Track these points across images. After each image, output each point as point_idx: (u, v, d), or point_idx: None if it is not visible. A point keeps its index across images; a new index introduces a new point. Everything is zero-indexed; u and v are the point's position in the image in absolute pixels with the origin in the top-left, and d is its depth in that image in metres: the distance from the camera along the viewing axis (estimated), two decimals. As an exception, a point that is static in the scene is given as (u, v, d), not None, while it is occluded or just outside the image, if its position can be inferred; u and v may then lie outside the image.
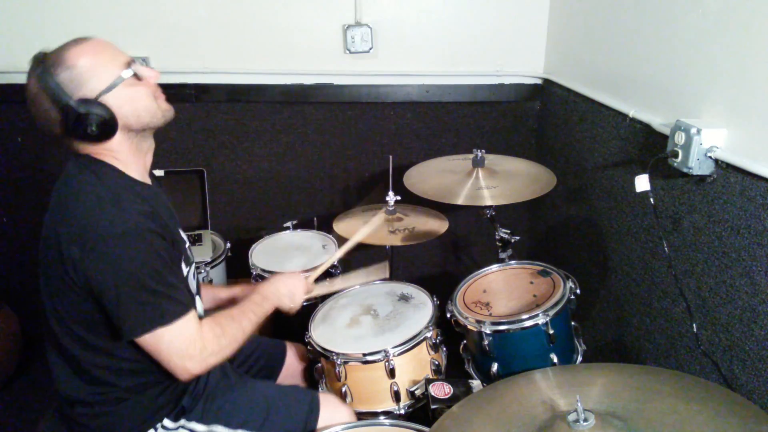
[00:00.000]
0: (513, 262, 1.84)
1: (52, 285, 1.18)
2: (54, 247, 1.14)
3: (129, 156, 1.24)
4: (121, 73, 1.18)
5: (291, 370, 1.72)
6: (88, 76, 1.15)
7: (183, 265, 1.29)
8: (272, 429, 1.37)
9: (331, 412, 1.44)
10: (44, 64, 1.14)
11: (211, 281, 2.14)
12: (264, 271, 2.02)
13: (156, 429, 1.31)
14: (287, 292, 1.48)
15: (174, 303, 1.17)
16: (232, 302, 1.65)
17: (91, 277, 1.11)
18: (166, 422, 1.32)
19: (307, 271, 1.67)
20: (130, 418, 1.28)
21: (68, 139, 1.19)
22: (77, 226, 1.12)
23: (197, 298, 1.36)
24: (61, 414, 1.33)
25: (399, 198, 2.00)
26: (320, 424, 1.41)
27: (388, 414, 1.57)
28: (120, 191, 1.18)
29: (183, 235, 1.37)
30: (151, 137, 1.29)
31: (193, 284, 1.35)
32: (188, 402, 1.34)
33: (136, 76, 1.21)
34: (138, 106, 1.21)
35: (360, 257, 2.65)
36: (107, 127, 1.16)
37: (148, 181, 1.30)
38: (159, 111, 1.24)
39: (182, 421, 1.34)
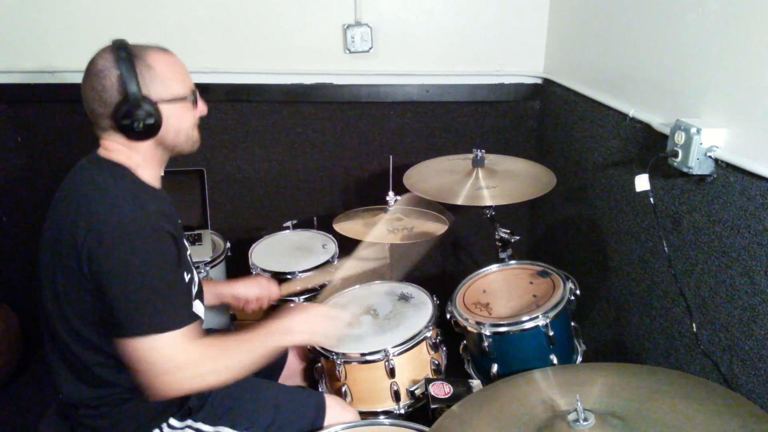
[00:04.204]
0: (513, 262, 1.84)
1: (61, 280, 1.17)
2: (68, 239, 1.13)
3: (149, 161, 1.27)
4: (185, 93, 1.26)
5: (291, 370, 1.73)
6: (159, 81, 1.21)
7: (185, 274, 1.28)
8: (279, 431, 1.37)
9: (337, 414, 1.44)
10: (127, 50, 1.19)
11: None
12: (264, 270, 2.02)
13: (161, 428, 1.31)
14: (305, 328, 1.35)
15: (173, 311, 1.16)
16: (234, 300, 1.66)
17: (103, 269, 1.11)
18: (172, 421, 1.32)
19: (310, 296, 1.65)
20: (135, 417, 1.28)
21: (104, 123, 1.21)
22: (97, 220, 1.12)
23: (197, 301, 1.35)
24: (64, 415, 1.32)
25: (399, 198, 2.00)
26: (326, 425, 1.41)
27: (388, 414, 1.57)
28: (137, 191, 1.21)
29: (186, 243, 1.38)
30: (170, 156, 1.33)
31: (193, 290, 1.35)
32: (195, 402, 1.34)
33: (194, 102, 1.29)
34: (182, 127, 1.28)
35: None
36: (149, 130, 1.21)
37: (159, 187, 1.32)
38: (192, 140, 1.32)
39: (189, 421, 1.33)
